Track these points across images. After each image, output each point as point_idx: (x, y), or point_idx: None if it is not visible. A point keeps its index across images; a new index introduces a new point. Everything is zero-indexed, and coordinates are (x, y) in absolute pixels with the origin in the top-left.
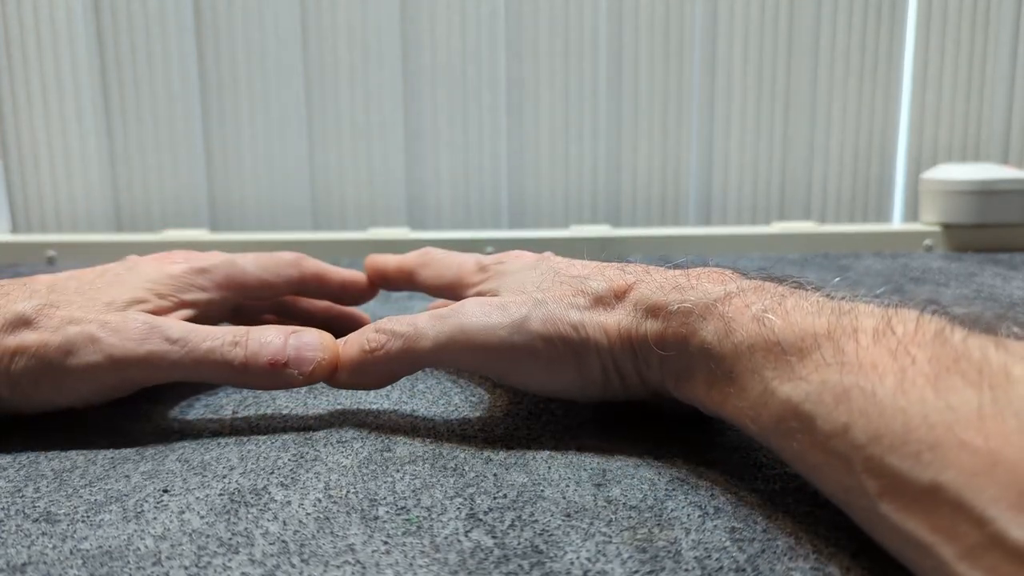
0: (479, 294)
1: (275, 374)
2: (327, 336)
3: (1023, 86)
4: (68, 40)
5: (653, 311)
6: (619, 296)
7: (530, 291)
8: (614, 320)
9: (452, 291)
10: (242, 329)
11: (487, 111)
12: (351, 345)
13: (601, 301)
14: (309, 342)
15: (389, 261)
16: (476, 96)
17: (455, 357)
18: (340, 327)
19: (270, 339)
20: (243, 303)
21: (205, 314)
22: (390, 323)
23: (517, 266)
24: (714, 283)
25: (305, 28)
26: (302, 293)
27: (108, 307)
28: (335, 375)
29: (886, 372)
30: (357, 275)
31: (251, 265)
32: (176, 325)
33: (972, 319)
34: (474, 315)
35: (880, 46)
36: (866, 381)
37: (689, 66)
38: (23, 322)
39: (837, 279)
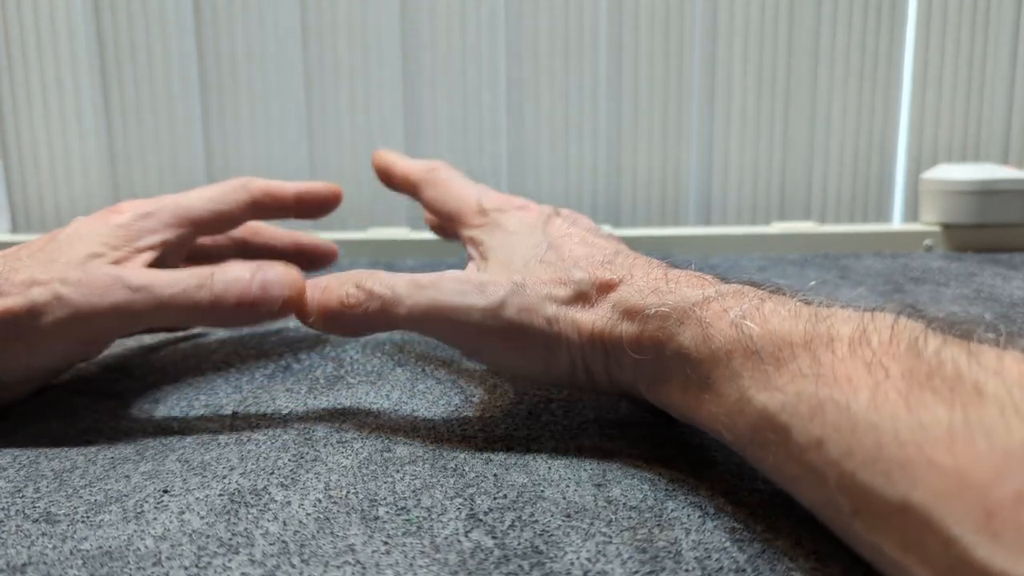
0: (471, 240)
1: (243, 312)
2: (293, 271)
3: (1023, 86)
4: (68, 40)
5: (630, 314)
6: (600, 292)
7: (516, 267)
8: (589, 319)
9: (449, 223)
10: (206, 270)
11: (487, 111)
12: (330, 293)
13: (581, 296)
14: (275, 279)
15: (397, 165)
16: (476, 96)
17: (428, 328)
18: (309, 259)
19: (235, 277)
20: (202, 243)
21: (163, 256)
22: (370, 281)
23: (515, 224)
24: (692, 287)
25: (305, 28)
26: (261, 216)
27: (66, 266)
28: (310, 317)
29: (860, 386)
30: (313, 185)
31: (197, 199)
32: (138, 273)
33: (947, 324)
34: (451, 292)
35: (880, 46)
36: (840, 395)
37: (689, 66)
38: None
39: (813, 282)
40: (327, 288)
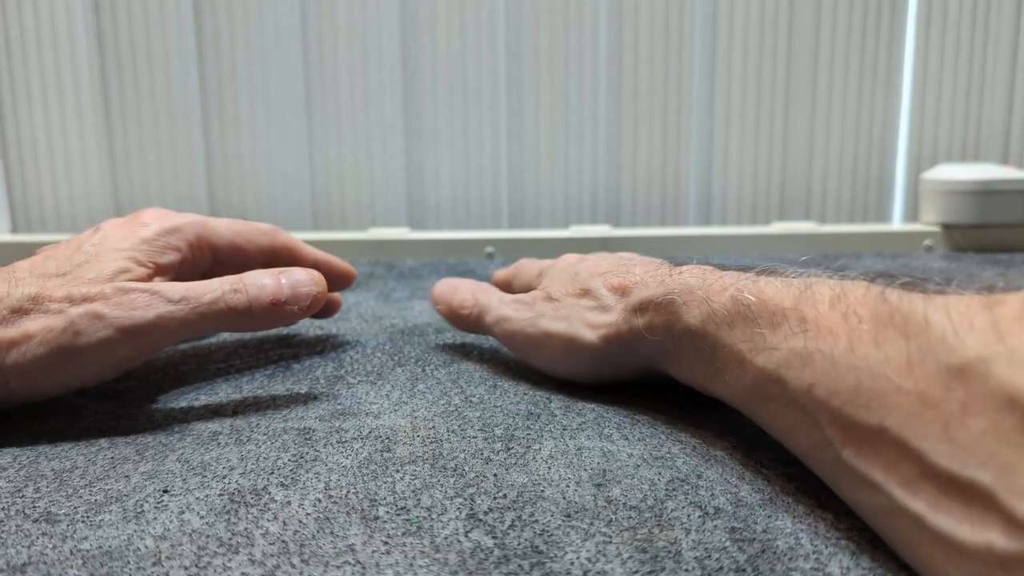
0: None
1: (276, 312)
2: (314, 272)
3: (1023, 86)
4: (68, 40)
5: (643, 307)
6: (617, 297)
7: (556, 292)
8: (609, 320)
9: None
10: (235, 277)
11: (487, 111)
12: (456, 295)
13: (601, 305)
14: (301, 279)
15: (497, 276)
16: (476, 96)
17: (498, 335)
18: (329, 279)
19: (267, 281)
20: (213, 268)
21: (179, 275)
22: (481, 295)
23: (561, 265)
24: (694, 276)
25: (305, 28)
26: (272, 265)
27: (94, 283)
28: (439, 304)
29: (839, 334)
30: (333, 259)
31: (223, 227)
32: (173, 286)
33: (915, 282)
34: (513, 309)
35: (880, 46)
36: (825, 344)
37: (689, 66)
38: (20, 311)
39: (804, 257)
40: (457, 289)
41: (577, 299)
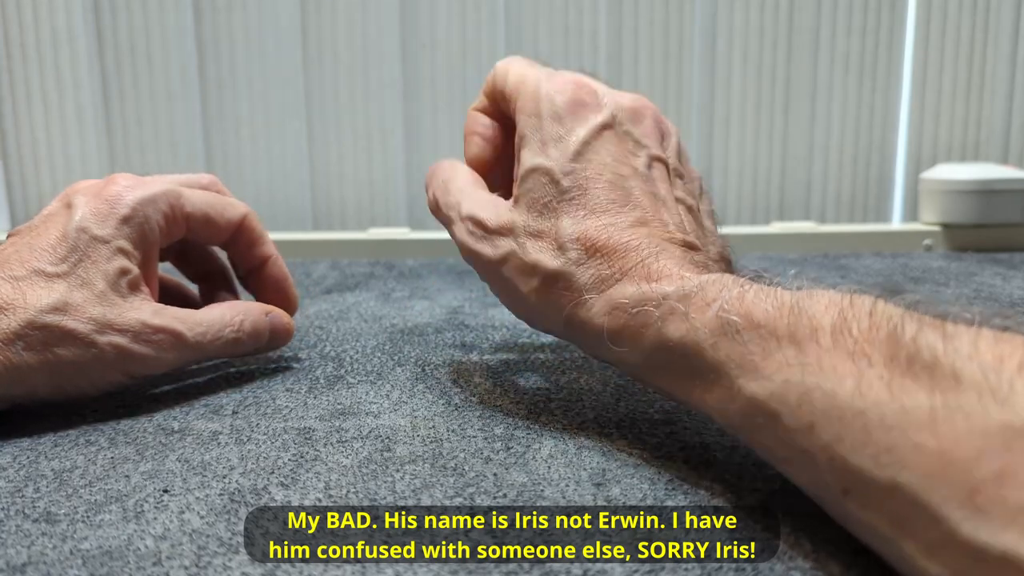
0: (521, 137)
1: (264, 348)
2: (284, 314)
3: (1023, 86)
4: (68, 40)
5: (611, 307)
6: (586, 267)
7: (535, 208)
8: (569, 303)
9: (506, 104)
10: (235, 316)
11: None
12: (432, 194)
13: (564, 276)
14: (282, 322)
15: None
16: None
17: (461, 251)
18: (259, 287)
19: (261, 325)
20: (185, 237)
21: (162, 250)
22: (443, 203)
23: (556, 134)
24: (672, 284)
25: (305, 28)
26: (229, 245)
27: (108, 300)
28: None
29: (845, 374)
30: (289, 285)
31: (198, 198)
32: (188, 325)
33: (924, 304)
34: (469, 236)
35: (880, 46)
36: (827, 382)
37: (689, 66)
38: (45, 328)
39: (793, 271)
40: (434, 175)
41: (545, 253)
